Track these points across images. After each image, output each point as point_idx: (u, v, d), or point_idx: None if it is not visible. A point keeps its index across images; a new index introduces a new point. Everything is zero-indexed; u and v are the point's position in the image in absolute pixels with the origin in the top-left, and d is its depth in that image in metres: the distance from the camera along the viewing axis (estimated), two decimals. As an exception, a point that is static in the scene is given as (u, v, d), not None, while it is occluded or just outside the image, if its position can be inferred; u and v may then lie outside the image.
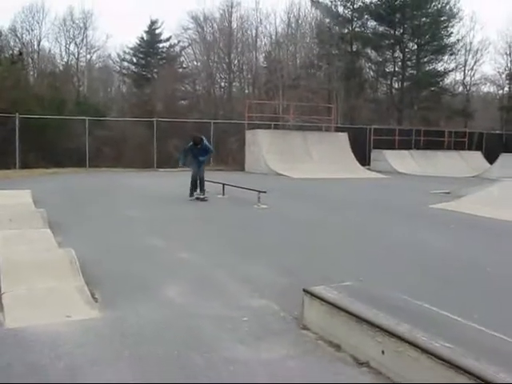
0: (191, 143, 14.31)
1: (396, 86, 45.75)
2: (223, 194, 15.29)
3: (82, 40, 46.52)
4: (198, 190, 14.40)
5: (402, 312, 4.30)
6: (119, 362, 4.05)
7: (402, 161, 30.62)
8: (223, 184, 15.30)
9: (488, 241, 9.88)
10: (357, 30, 45.18)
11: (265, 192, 12.90)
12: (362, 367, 4.04)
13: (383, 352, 3.92)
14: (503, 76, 45.72)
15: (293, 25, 45.83)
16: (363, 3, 45.33)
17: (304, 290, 4.93)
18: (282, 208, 13.14)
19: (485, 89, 49.35)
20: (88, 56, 47.61)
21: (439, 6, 46.21)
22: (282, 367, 4.03)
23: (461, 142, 36.09)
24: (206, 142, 14.47)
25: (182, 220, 11.41)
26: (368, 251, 8.54)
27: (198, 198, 14.27)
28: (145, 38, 49.61)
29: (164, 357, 4.15)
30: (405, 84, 44.97)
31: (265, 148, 27.41)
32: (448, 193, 17.13)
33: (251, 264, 7.37)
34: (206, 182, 14.52)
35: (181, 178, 16.36)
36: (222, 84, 46.29)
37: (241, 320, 5.01)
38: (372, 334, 4.03)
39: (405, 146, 33.76)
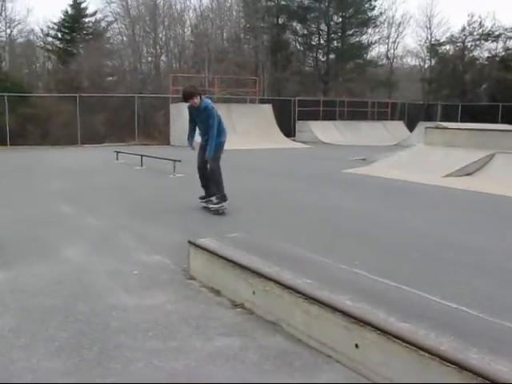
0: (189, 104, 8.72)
1: (322, 58, 46.30)
2: (141, 166, 15.37)
3: (1, 13, 44.93)
4: (207, 194, 9.00)
5: (278, 257, 4.63)
6: (5, 313, 4.24)
7: (326, 131, 31.27)
8: (141, 155, 15.40)
9: (385, 198, 10.74)
10: (282, 3, 45.38)
11: (179, 161, 13.08)
12: (236, 308, 4.36)
13: (254, 292, 4.25)
14: (424, 48, 46.98)
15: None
16: (289, -24, 45.54)
17: (189, 242, 5.21)
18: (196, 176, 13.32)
19: (409, 61, 50.53)
20: (8, 30, 46.08)
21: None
22: (161, 310, 4.31)
23: (384, 112, 37.08)
24: (209, 104, 8.63)
25: (97, 190, 11.49)
26: (273, 210, 8.94)
27: (208, 207, 8.82)
28: (69, 13, 48.27)
29: (50, 307, 4.36)
30: (330, 56, 45.61)
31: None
32: (364, 159, 17.74)
33: (154, 226, 7.62)
34: (129, 155, 14.11)
35: (105, 152, 16.30)
36: (149, 59, 45.75)
37: (132, 273, 5.26)
38: (245, 276, 4.35)
39: (329, 116, 34.38)
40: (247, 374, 3.28)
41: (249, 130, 27.40)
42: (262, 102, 32.76)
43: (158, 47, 43.99)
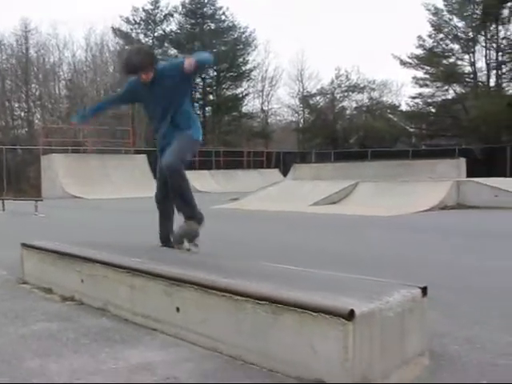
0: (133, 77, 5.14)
1: (198, 111, 46.92)
2: (3, 210, 14.66)
3: None
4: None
5: (115, 248, 4.43)
6: None
7: (202, 180, 31.43)
8: (2, 199, 14.78)
9: (246, 223, 11.14)
10: (158, 56, 45.77)
11: (41, 200, 12.67)
12: (66, 301, 4.09)
13: (82, 281, 4.01)
14: (297, 100, 48.99)
15: (94, 52, 45.41)
16: (164, 31, 46.28)
17: (22, 244, 4.90)
18: (57, 215, 13.27)
19: (283, 112, 52.32)
20: None
21: (236, 35, 48.61)
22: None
23: (260, 161, 38.01)
24: (168, 63, 5.22)
25: None
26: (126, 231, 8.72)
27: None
28: None
29: None
30: (206, 109, 46.36)
31: (61, 172, 26.75)
32: (236, 198, 17.86)
33: (8, 250, 7.19)
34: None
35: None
36: (22, 114, 44.41)
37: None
38: (73, 266, 4.11)
39: (206, 166, 34.75)
40: (60, 348, 3.03)
41: (124, 179, 27.14)
42: (138, 153, 32.52)
43: (30, 101, 42.78)
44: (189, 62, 4.50)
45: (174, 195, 4.92)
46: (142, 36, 46.85)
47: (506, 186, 14.14)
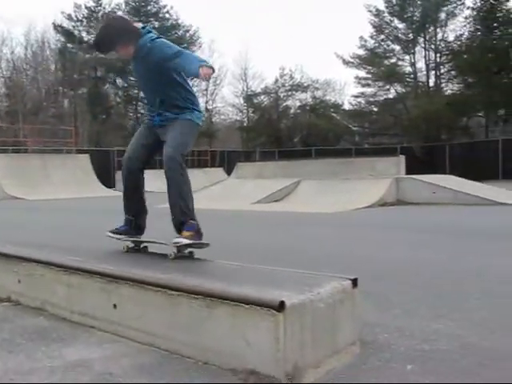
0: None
1: (142, 110, 46.42)
2: None
3: None
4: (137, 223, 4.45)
5: (49, 247, 4.39)
6: None
7: (147, 180, 31.09)
8: None
9: None
10: (100, 55, 45.18)
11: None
12: (2, 302, 4.03)
13: (19, 281, 3.97)
14: (241, 99, 49.13)
15: (34, 49, 44.40)
16: (105, 29, 45.51)
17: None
18: None
19: (227, 111, 52.32)
20: None
21: (180, 33, 48.38)
22: None
23: (204, 160, 37.99)
24: (152, 35, 4.17)
25: None
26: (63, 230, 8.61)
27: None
28: None
29: None
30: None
31: (1, 173, 26.03)
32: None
33: None
34: None
35: None
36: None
37: None
38: (11, 267, 4.05)
39: (150, 166, 34.37)
40: (-8, 349, 3.00)
41: (66, 180, 26.64)
42: (80, 152, 31.99)
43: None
44: (205, 72, 3.72)
45: (171, 190, 4.04)
46: (84, 34, 46.07)
47: (444, 182, 14.56)
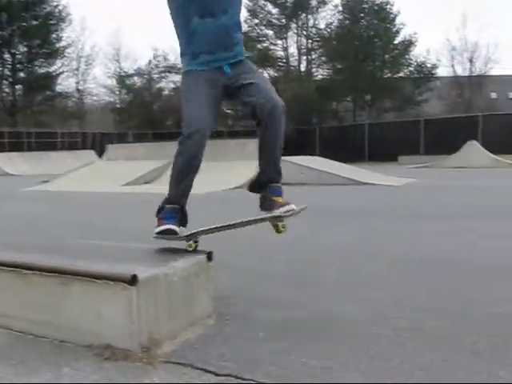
0: None
1: (7, 89, 44.10)
2: None
3: None
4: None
5: None
6: None
7: (13, 163, 29.75)
8: None
9: (52, 205, 10.56)
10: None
11: None
12: None
13: None
14: (113, 80, 47.98)
15: None
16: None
17: None
18: None
19: (100, 93, 50.85)
20: None
21: (48, 9, 46.12)
22: None
23: (75, 143, 36.83)
24: None
25: None
26: None
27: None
28: None
29: None
30: (17, 87, 43.73)
31: None
32: (47, 181, 17.15)
33: None
34: None
35: None
36: None
37: None
38: None
39: (17, 148, 32.96)
40: None
41: None
42: None
43: None
44: None
45: (273, 143, 3.31)
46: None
47: (311, 164, 15.06)
